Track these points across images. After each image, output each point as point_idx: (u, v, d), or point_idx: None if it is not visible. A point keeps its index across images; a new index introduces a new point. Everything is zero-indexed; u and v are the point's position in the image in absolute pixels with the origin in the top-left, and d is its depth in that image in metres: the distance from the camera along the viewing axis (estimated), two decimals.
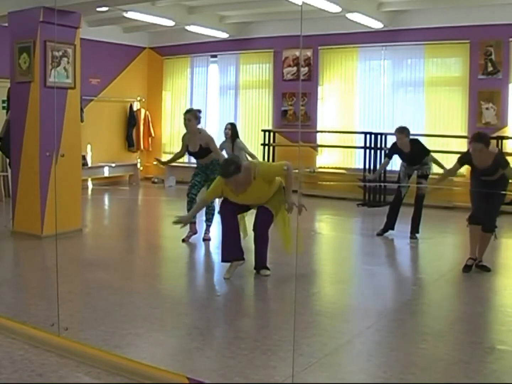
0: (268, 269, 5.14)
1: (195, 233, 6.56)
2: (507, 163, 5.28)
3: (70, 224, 6.63)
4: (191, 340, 3.69)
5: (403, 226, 6.86)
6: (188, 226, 6.23)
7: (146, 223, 8.63)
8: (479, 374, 3.19)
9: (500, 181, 5.28)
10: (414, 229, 6.75)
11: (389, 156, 6.97)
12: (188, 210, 6.36)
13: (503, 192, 5.25)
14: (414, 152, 6.59)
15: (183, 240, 6.46)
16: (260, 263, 5.16)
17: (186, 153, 6.67)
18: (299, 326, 3.70)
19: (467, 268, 5.29)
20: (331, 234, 7.81)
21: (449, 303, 4.71)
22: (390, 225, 6.93)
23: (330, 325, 4.07)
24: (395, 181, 8.65)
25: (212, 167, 6.43)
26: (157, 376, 3.01)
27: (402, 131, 6.59)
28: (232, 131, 8.22)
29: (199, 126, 6.52)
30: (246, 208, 5.23)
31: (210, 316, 4.29)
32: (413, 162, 6.68)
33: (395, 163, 9.79)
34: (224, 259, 5.08)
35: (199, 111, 6.62)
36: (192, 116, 6.37)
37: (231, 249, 5.04)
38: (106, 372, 3.10)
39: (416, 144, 6.66)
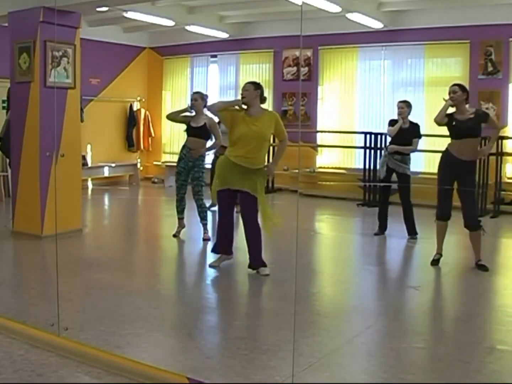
0: (265, 265, 5.14)
1: (183, 227, 6.71)
2: (488, 114, 5.49)
3: (70, 224, 6.63)
4: (191, 340, 3.69)
5: (401, 225, 6.85)
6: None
7: (146, 223, 8.63)
8: (479, 374, 3.19)
9: (473, 168, 5.43)
10: (411, 230, 6.73)
11: (390, 124, 6.97)
12: (177, 208, 6.59)
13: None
14: (410, 131, 6.69)
15: (174, 236, 6.63)
16: (257, 260, 5.14)
17: (185, 131, 6.55)
18: (299, 326, 3.70)
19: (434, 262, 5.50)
20: (331, 234, 7.80)
21: (449, 303, 4.72)
22: (382, 225, 6.97)
23: (330, 325, 4.07)
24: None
25: (198, 163, 6.40)
26: (157, 376, 3.01)
27: (404, 101, 6.87)
28: None
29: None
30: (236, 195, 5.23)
31: (209, 316, 4.30)
32: (400, 141, 6.69)
33: None
34: (214, 250, 5.39)
35: (207, 95, 6.65)
36: (199, 96, 6.42)
37: (223, 243, 5.30)
38: (106, 372, 3.10)
39: (414, 125, 6.77)
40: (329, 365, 3.35)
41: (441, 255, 5.53)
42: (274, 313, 4.32)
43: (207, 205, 6.95)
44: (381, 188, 7.05)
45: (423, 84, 9.62)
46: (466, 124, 5.25)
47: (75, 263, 5.61)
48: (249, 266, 5.17)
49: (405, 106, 6.77)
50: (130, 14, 9.18)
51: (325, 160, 10.63)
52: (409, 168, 6.84)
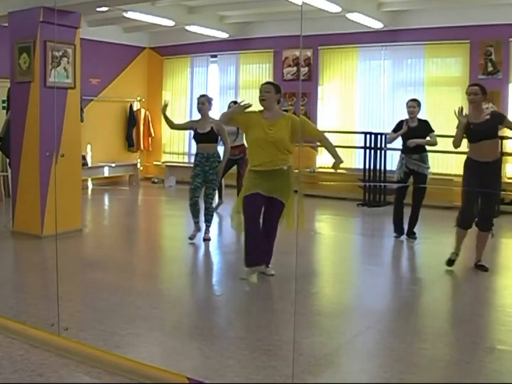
0: (268, 265, 5.08)
1: (200, 230, 6.54)
2: (504, 116, 5.37)
3: (70, 224, 6.62)
4: (191, 340, 3.70)
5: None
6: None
7: (146, 223, 8.63)
8: (479, 374, 3.19)
9: (496, 169, 5.30)
10: (412, 230, 6.67)
11: (394, 131, 6.80)
12: (192, 212, 6.42)
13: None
14: (420, 129, 6.54)
15: (190, 238, 6.45)
16: (267, 258, 5.06)
17: (193, 138, 6.50)
18: (299, 326, 3.70)
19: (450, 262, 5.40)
20: (331, 234, 7.81)
21: (449, 303, 4.72)
22: (398, 228, 6.78)
23: (330, 325, 4.07)
24: (395, 181, 8.63)
25: (212, 160, 6.35)
26: (157, 376, 3.01)
27: (415, 100, 6.72)
28: None
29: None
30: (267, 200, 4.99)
31: (210, 316, 4.30)
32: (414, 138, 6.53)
33: (395, 163, 9.83)
34: (248, 264, 4.98)
35: (212, 98, 6.65)
36: (206, 100, 6.44)
37: (255, 254, 4.95)
38: (106, 372, 3.10)
39: (423, 122, 6.64)
40: (329, 365, 3.35)
41: (457, 255, 5.38)
42: (274, 313, 4.32)
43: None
44: (398, 190, 6.78)
45: (423, 84, 9.61)
46: (483, 126, 5.12)
47: (75, 263, 5.61)
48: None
49: (416, 105, 6.64)
50: (130, 14, 9.18)
51: (325, 160, 10.61)
52: (428, 167, 6.65)
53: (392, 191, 9.51)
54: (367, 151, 9.62)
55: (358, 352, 3.59)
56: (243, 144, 8.18)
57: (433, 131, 6.62)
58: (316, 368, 3.26)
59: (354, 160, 10.32)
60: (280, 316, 4.17)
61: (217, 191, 7.51)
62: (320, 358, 3.40)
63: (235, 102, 8.40)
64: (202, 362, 3.36)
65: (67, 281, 4.56)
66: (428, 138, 6.56)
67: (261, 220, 5.02)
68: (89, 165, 11.11)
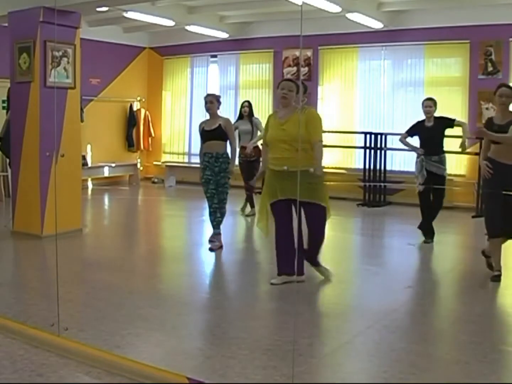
0: (320, 266, 4.99)
1: (221, 245, 6.17)
2: None
3: (70, 224, 6.62)
4: (191, 340, 3.70)
5: (402, 226, 6.85)
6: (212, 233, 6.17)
7: (146, 223, 8.63)
8: (479, 374, 3.19)
9: None
10: (431, 233, 6.53)
11: (408, 133, 6.61)
12: (210, 206, 6.09)
13: None
14: (437, 127, 6.37)
15: (211, 250, 6.07)
16: (310, 257, 4.93)
17: (200, 137, 6.17)
18: (299, 326, 3.70)
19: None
20: (331, 234, 7.77)
21: (449, 303, 4.71)
22: (430, 233, 6.60)
23: (330, 325, 4.07)
24: (395, 181, 8.63)
25: (222, 160, 5.99)
26: (157, 376, 3.01)
27: (431, 99, 6.51)
28: (249, 109, 8.18)
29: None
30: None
31: (210, 316, 4.30)
32: (432, 142, 6.36)
33: (395, 163, 9.86)
34: (278, 272, 4.86)
35: (220, 96, 6.40)
36: (214, 98, 6.13)
37: (284, 262, 4.83)
38: (106, 372, 3.10)
39: (439, 119, 6.43)
40: (329, 365, 3.35)
41: (500, 271, 5.00)
42: (274, 313, 4.32)
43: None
44: (422, 195, 6.52)
45: (423, 84, 9.60)
46: (506, 128, 4.87)
47: (75, 263, 5.61)
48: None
49: (432, 104, 6.42)
50: (130, 14, 9.18)
51: (325, 160, 10.57)
52: (446, 169, 6.50)
53: (392, 191, 9.57)
54: (367, 151, 9.62)
55: (358, 352, 3.59)
56: (257, 146, 8.14)
57: (453, 120, 6.43)
58: (316, 368, 3.26)
59: (354, 160, 10.32)
60: (280, 316, 4.17)
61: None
62: (320, 358, 3.40)
63: (248, 102, 8.31)
64: (202, 362, 3.36)
65: (67, 281, 4.56)
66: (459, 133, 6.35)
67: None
68: (89, 165, 11.11)
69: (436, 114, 6.47)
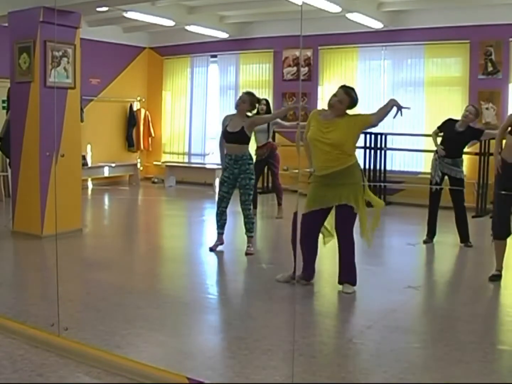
0: (353, 284, 4.68)
1: (222, 243, 6.13)
2: None
3: (70, 224, 6.62)
4: (191, 340, 3.70)
5: (402, 226, 6.85)
6: (215, 236, 6.14)
7: (146, 223, 8.63)
8: (479, 374, 3.19)
9: None
10: (464, 237, 6.41)
11: (439, 128, 6.57)
12: (216, 222, 6.04)
13: None
14: (466, 135, 6.31)
15: (211, 249, 6.07)
16: (345, 276, 4.69)
17: (223, 135, 5.95)
18: (299, 326, 3.70)
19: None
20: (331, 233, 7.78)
21: (449, 303, 4.71)
22: (432, 232, 6.59)
23: (330, 325, 4.07)
24: (395, 181, 8.63)
25: (241, 162, 5.80)
26: (157, 376, 3.01)
27: (475, 107, 6.42)
28: (267, 107, 8.04)
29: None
30: (327, 213, 4.79)
31: (210, 316, 4.29)
32: (455, 146, 6.33)
33: (395, 163, 9.86)
34: (305, 279, 4.83)
35: (259, 100, 6.17)
36: (247, 99, 5.83)
37: (304, 269, 4.82)
38: (106, 372, 3.10)
39: (471, 128, 6.36)
40: (329, 365, 3.35)
41: (500, 272, 5.02)
42: (274, 313, 4.32)
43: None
44: (432, 194, 6.53)
45: (423, 84, 9.61)
46: None
47: (75, 263, 5.61)
48: (338, 282, 4.77)
49: (474, 113, 6.30)
50: (130, 14, 9.18)
51: None
52: (462, 171, 6.43)
53: (392, 191, 9.57)
54: (367, 151, 9.62)
55: (358, 352, 3.59)
56: (269, 142, 8.02)
57: (481, 131, 6.41)
58: (316, 368, 3.26)
59: None
60: (280, 316, 4.17)
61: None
62: (320, 358, 3.40)
63: (266, 100, 8.14)
64: (202, 362, 3.36)
65: (67, 281, 4.56)
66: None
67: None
68: (89, 165, 11.11)
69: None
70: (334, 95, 4.75)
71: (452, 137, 6.35)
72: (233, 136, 5.79)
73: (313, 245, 4.82)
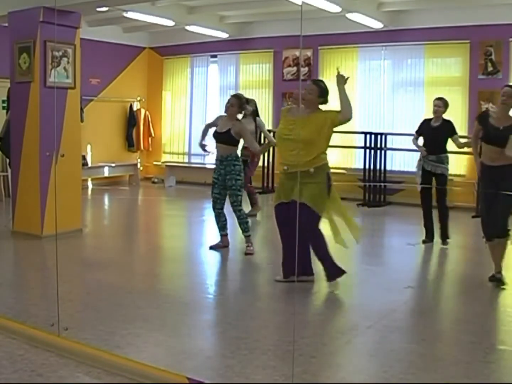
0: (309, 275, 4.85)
1: (227, 246, 6.13)
2: None
3: (70, 224, 6.62)
4: (191, 340, 3.70)
5: (402, 226, 6.85)
6: (218, 236, 6.15)
7: (146, 223, 8.63)
8: (479, 374, 3.19)
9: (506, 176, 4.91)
10: (443, 235, 6.47)
11: (417, 133, 6.60)
12: (217, 223, 6.08)
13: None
14: (442, 129, 6.36)
15: (211, 247, 6.13)
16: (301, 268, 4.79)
17: (212, 135, 6.07)
18: (299, 326, 3.70)
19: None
20: (331, 233, 7.78)
21: (449, 303, 4.71)
22: (430, 232, 6.59)
23: (330, 325, 4.07)
24: (395, 181, 8.63)
25: (226, 163, 5.83)
26: (157, 376, 3.01)
27: (441, 98, 6.46)
28: (255, 108, 7.97)
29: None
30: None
31: (210, 316, 4.30)
32: (435, 142, 6.37)
33: (395, 163, 9.86)
34: (283, 276, 4.87)
35: (247, 101, 6.22)
36: (235, 103, 5.92)
37: (286, 264, 4.84)
38: (106, 372, 3.10)
39: (447, 122, 6.41)
40: (329, 365, 3.35)
41: (500, 273, 4.95)
42: (274, 313, 4.32)
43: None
44: (422, 194, 6.52)
45: (423, 84, 9.60)
46: (502, 133, 4.89)
47: (75, 263, 5.61)
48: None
49: (441, 104, 6.37)
50: (130, 14, 9.18)
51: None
52: (447, 168, 6.45)
53: (392, 191, 9.57)
54: (367, 151, 9.62)
55: (358, 352, 3.59)
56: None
57: (456, 133, 6.43)
58: (316, 368, 3.26)
59: (354, 160, 10.31)
60: (280, 316, 4.17)
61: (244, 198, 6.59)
62: (320, 358, 3.40)
63: (254, 101, 8.06)
64: (202, 362, 3.36)
65: (67, 281, 4.56)
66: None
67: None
68: (89, 165, 11.11)
69: (446, 116, 6.44)
70: (305, 89, 4.80)
71: (429, 133, 6.41)
72: (220, 137, 5.89)
73: (290, 238, 4.69)
